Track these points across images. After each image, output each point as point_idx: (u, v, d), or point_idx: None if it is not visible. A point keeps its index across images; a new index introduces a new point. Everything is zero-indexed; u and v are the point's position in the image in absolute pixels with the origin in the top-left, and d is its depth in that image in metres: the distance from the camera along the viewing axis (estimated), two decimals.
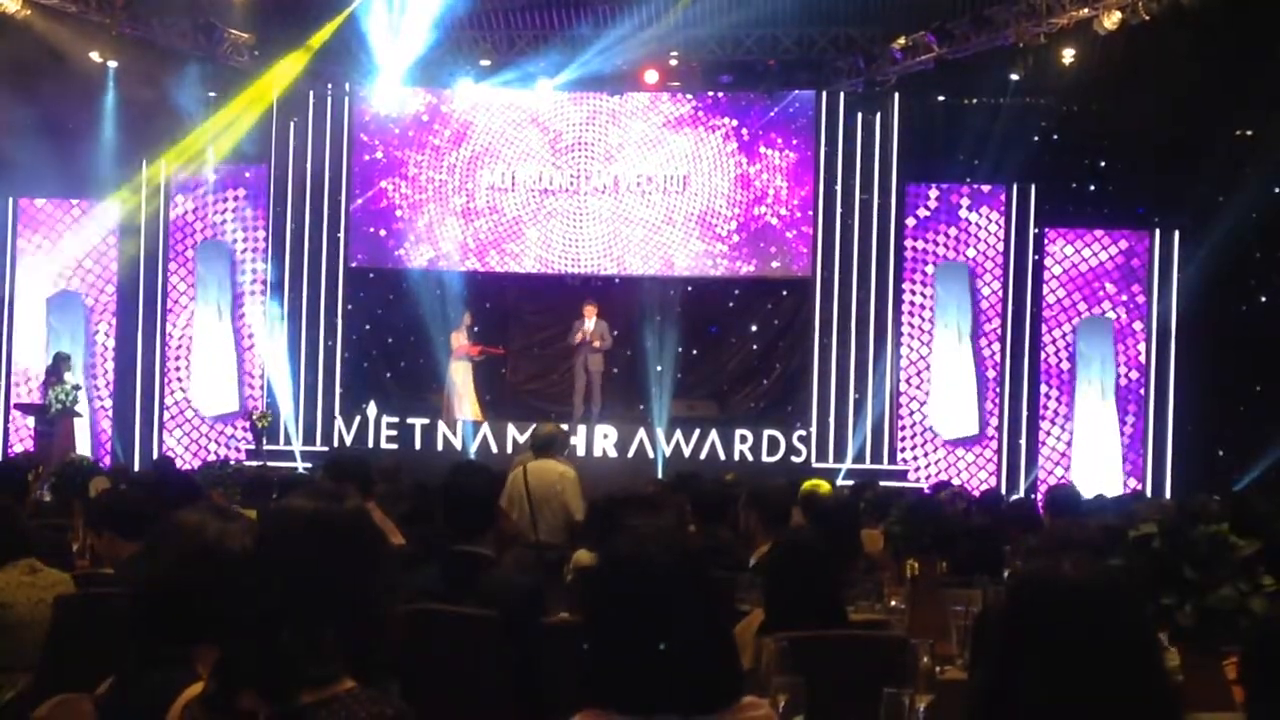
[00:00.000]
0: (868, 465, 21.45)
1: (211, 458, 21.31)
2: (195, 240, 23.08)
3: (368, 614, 3.47)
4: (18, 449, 21.73)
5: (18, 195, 22.88)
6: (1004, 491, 20.26)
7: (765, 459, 21.08)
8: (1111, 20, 18.61)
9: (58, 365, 20.85)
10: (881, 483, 16.21)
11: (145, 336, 22.87)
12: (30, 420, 21.43)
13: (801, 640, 5.07)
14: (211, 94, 22.58)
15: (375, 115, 23.33)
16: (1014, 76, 21.24)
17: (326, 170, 23.01)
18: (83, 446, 21.03)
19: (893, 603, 6.97)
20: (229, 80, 22.26)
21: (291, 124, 22.98)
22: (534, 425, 16.25)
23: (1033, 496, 19.23)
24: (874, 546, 8.97)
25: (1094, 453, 21.56)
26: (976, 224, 22.27)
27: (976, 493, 17.00)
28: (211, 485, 12.29)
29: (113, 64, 22.11)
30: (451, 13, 20.82)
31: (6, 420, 22.35)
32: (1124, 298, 21.97)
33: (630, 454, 20.93)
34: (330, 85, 22.97)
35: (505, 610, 6.23)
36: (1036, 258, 22.11)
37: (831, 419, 22.16)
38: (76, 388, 20.86)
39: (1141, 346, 21.86)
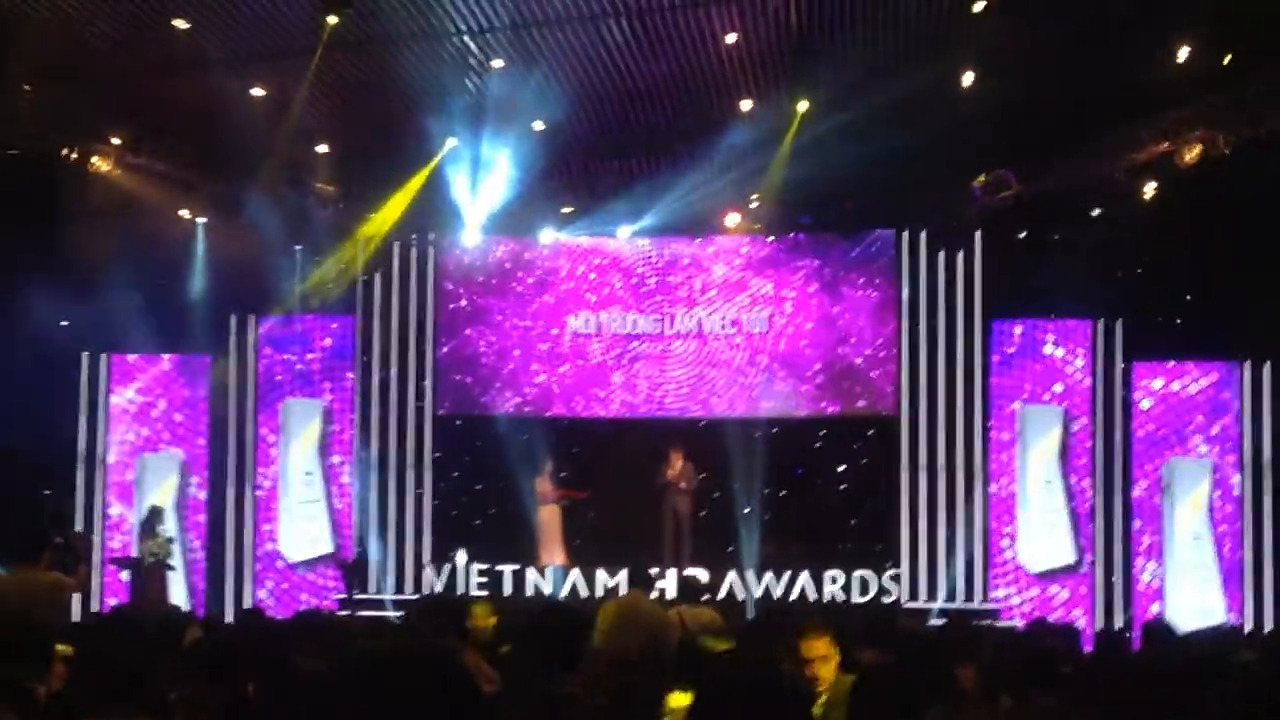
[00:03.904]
0: (960, 604, 21.28)
1: (302, 607, 21.34)
2: (284, 392, 23.27)
3: None
4: (112, 602, 21.84)
5: (110, 350, 23.17)
6: (1101, 627, 20.02)
7: (856, 599, 20.92)
8: (1192, 154, 18.65)
9: (151, 519, 21.01)
10: (975, 621, 16.04)
11: (236, 488, 23.06)
12: (125, 574, 21.56)
13: None
14: (298, 246, 22.94)
15: (460, 264, 23.57)
16: (1096, 211, 21.22)
17: (412, 319, 23.33)
18: (177, 599, 21.19)
19: None
20: (315, 232, 22.58)
21: (377, 274, 23.29)
22: (687, 574, 16.54)
23: (1128, 634, 18.92)
24: (968, 684, 8.86)
25: (1190, 589, 21.20)
26: (1062, 360, 22.14)
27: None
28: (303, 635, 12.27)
29: (201, 220, 22.51)
30: (532, 161, 21.05)
31: (104, 573, 22.48)
32: (1215, 431, 21.70)
33: (720, 596, 20.79)
34: (415, 235, 23.29)
35: None
36: (1125, 393, 21.93)
37: (922, 557, 22.04)
38: (170, 540, 21.00)
39: (1236, 479, 21.55)
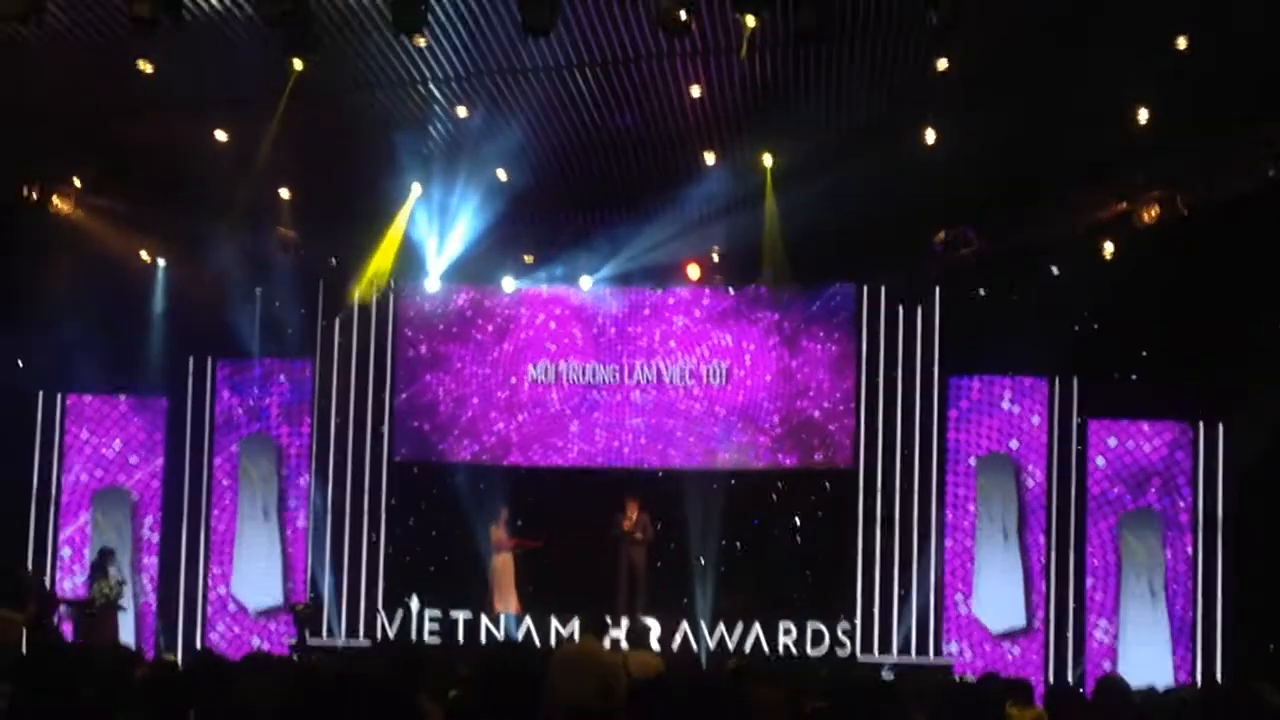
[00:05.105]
0: (913, 658, 21.34)
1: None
2: (240, 434, 23.24)
3: None
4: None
5: (66, 390, 23.14)
6: (1053, 683, 20.07)
7: (810, 651, 20.93)
8: (1150, 214, 18.79)
9: (103, 560, 20.91)
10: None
11: (190, 531, 23.01)
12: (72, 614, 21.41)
13: None
14: (258, 289, 22.91)
15: (419, 311, 23.57)
16: (1054, 269, 21.34)
17: (371, 365, 23.31)
18: (128, 640, 21.09)
19: None
20: (276, 276, 22.54)
21: (337, 319, 23.28)
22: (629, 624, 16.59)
23: (1081, 690, 18.96)
24: None
25: (1142, 646, 21.26)
26: (1019, 416, 22.24)
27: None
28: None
29: (162, 262, 22.49)
30: (495, 210, 21.07)
31: (55, 613, 22.34)
32: (1169, 490, 21.82)
33: (674, 647, 20.78)
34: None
35: None
36: (1080, 449, 22.04)
37: (876, 611, 22.09)
38: (121, 583, 20.90)
39: (1188, 539, 21.65)
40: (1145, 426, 21.95)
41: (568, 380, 23.30)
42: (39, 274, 20.72)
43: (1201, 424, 21.75)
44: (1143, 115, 17.21)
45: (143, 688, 7.86)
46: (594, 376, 23.25)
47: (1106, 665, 21.22)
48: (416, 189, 20.84)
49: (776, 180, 19.72)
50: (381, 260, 22.34)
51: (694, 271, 22.92)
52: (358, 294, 22.90)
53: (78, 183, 19.71)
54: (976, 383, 22.45)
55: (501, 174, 19.82)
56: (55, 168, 19.65)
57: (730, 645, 20.93)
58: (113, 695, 7.04)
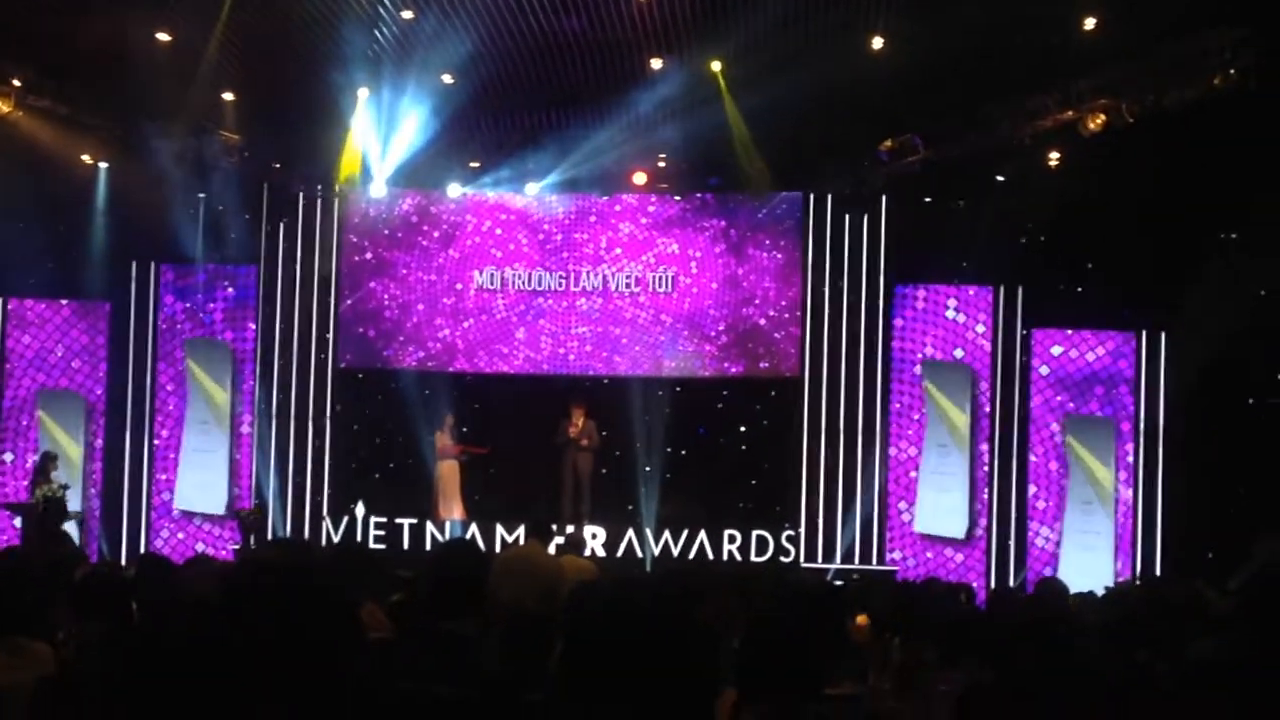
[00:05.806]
0: (857, 565, 21.47)
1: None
2: (184, 340, 23.11)
3: (326, 663, 3.45)
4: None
5: (8, 295, 22.94)
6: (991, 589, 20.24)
7: (754, 559, 21.03)
8: (1096, 123, 18.75)
9: (45, 464, 20.79)
10: None
11: (134, 436, 22.90)
12: (17, 519, 21.30)
13: (783, 712, 5.04)
14: (201, 194, 22.71)
15: (364, 216, 23.43)
16: (1000, 178, 21.36)
17: (316, 271, 23.16)
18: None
19: (885, 686, 6.94)
20: (219, 180, 22.35)
21: (281, 224, 23.13)
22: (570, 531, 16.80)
23: (1021, 596, 19.10)
24: (861, 635, 8.97)
25: (1083, 553, 21.43)
26: (964, 324, 22.29)
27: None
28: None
29: (104, 165, 22.25)
30: (440, 115, 20.90)
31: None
32: (1111, 398, 21.94)
33: (619, 553, 20.86)
34: (320, 186, 23.07)
35: (486, 693, 6.16)
36: (1023, 359, 22.12)
37: (820, 519, 22.20)
38: (65, 487, 20.79)
39: (1129, 447, 21.80)
40: (1089, 335, 22.03)
41: (513, 287, 23.24)
42: None
43: (1144, 332, 21.84)
44: (1089, 22, 17.17)
45: (83, 584, 7.85)
46: (540, 283, 23.20)
47: (1048, 572, 21.36)
48: (363, 93, 20.65)
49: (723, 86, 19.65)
50: (350, 161, 22.15)
51: (640, 178, 22.88)
52: (342, 182, 22.73)
53: (17, 83, 19.42)
54: (922, 291, 22.49)
55: (447, 78, 19.64)
56: None
57: (675, 552, 21.03)
58: (54, 594, 7.02)
